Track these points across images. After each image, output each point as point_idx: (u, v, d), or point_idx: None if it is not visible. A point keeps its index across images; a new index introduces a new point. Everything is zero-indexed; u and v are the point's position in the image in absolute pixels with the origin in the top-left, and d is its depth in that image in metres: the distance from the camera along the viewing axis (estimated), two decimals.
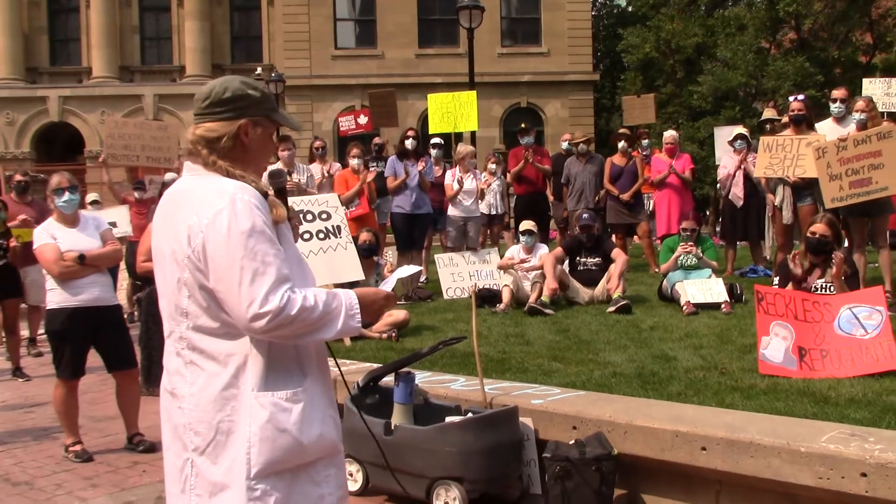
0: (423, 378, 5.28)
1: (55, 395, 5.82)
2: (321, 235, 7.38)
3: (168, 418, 2.41)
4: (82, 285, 5.70)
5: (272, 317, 2.17)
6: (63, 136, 33.50)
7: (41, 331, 9.22)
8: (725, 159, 10.58)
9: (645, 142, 14.00)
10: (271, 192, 2.45)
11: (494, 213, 11.37)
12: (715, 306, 7.73)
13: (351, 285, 6.96)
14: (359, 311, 2.36)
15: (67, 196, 5.82)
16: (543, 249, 8.89)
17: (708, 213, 23.77)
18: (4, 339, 9.19)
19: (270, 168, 2.82)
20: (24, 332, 9.59)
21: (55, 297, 5.72)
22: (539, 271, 8.44)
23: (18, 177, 9.86)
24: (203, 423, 2.29)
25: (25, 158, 31.51)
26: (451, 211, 10.45)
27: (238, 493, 2.25)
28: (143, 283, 6.64)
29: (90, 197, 12.07)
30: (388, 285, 2.63)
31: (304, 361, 2.37)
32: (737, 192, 10.04)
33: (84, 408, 6.29)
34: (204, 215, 2.23)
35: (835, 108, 8.52)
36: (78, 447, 5.74)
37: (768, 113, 11.40)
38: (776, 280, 6.31)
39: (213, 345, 2.29)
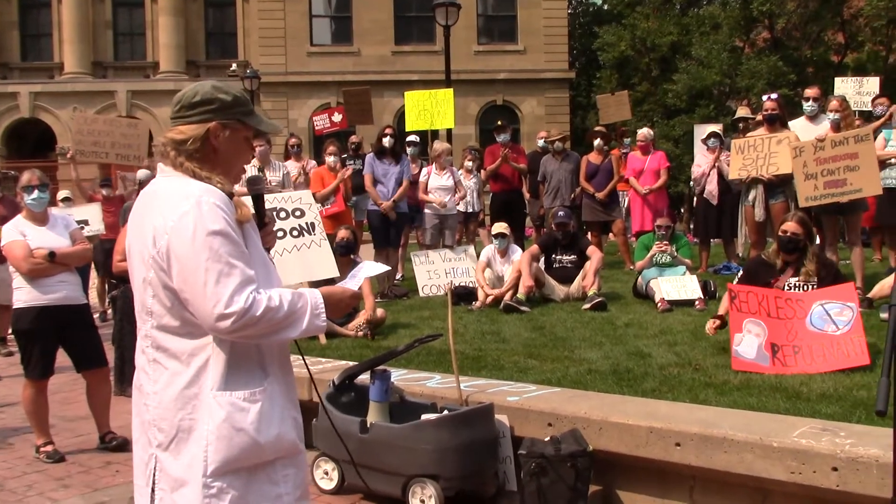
0: (398, 376, 5.27)
1: (24, 395, 5.76)
2: (294, 233, 7.34)
3: (137, 413, 2.46)
4: (51, 284, 5.64)
5: (237, 317, 2.21)
6: (34, 133, 33.07)
7: (11, 330, 9.12)
8: (699, 157, 10.65)
9: (626, 140, 14.06)
10: (237, 193, 2.46)
11: (470, 210, 11.37)
12: (689, 303, 7.79)
13: (327, 283, 6.94)
14: (324, 310, 2.40)
15: (37, 194, 5.75)
16: (517, 253, 8.89)
17: (682, 210, 23.92)
18: None
19: (248, 175, 2.80)
20: None
21: (23, 295, 5.65)
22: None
23: None
24: (166, 421, 2.33)
25: None
26: (427, 209, 10.44)
27: (195, 490, 2.30)
28: (118, 281, 6.57)
29: (62, 194, 11.94)
30: (354, 284, 2.63)
31: (265, 361, 2.40)
32: (711, 190, 10.11)
33: (55, 408, 6.22)
34: (169, 217, 2.27)
35: (808, 106, 8.61)
36: (49, 447, 5.68)
37: (742, 111, 11.49)
38: (738, 276, 6.35)
39: (176, 344, 2.33)
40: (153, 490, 2.37)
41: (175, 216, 2.26)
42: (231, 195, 2.39)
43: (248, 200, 2.55)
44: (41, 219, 5.85)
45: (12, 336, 9.04)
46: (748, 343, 5.36)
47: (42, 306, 5.62)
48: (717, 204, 10.08)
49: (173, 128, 2.42)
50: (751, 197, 8.33)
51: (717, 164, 10.01)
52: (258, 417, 2.34)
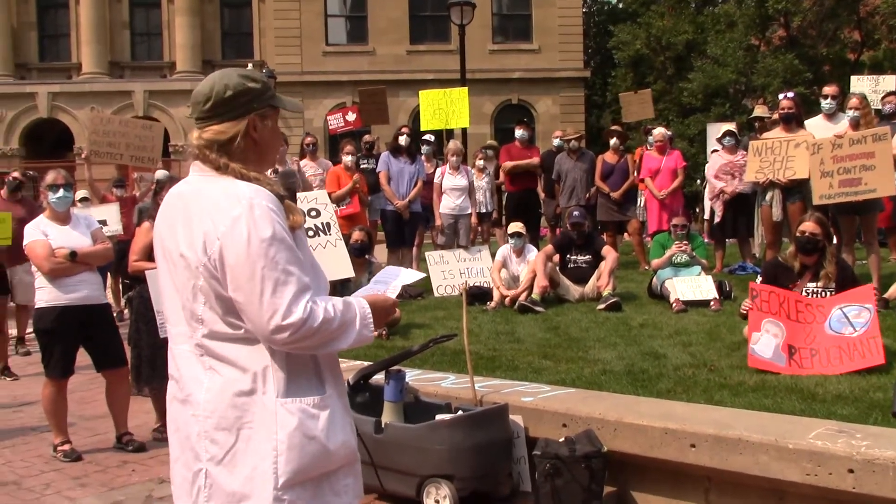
0: (413, 376, 5.29)
1: (44, 394, 5.80)
2: (310, 233, 7.37)
3: (177, 428, 2.31)
4: (72, 283, 5.69)
5: (295, 329, 2.11)
6: (52, 133, 33.29)
7: (29, 330, 9.20)
8: (713, 157, 10.60)
9: (650, 137, 14.00)
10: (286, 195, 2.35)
11: (484, 210, 11.38)
12: (704, 304, 7.77)
13: (342, 284, 6.97)
14: (372, 320, 2.31)
15: (62, 193, 5.82)
16: (533, 252, 8.88)
17: (698, 209, 23.81)
18: None
19: (282, 169, 2.75)
20: (13, 332, 9.56)
21: (45, 295, 5.70)
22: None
23: (15, 174, 9.81)
24: (221, 431, 2.19)
25: (14, 155, 31.30)
26: (442, 209, 10.44)
27: None
28: (133, 282, 6.61)
29: (80, 194, 11.99)
30: (392, 292, 2.55)
31: (321, 367, 2.31)
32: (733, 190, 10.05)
33: (73, 407, 6.27)
34: (221, 222, 2.14)
35: (826, 104, 8.55)
36: (66, 446, 5.73)
37: (759, 110, 11.44)
38: (759, 280, 6.31)
39: (232, 351, 2.21)
40: None
41: (227, 221, 2.13)
42: (282, 198, 2.25)
43: None
44: (63, 218, 5.90)
45: (30, 335, 9.15)
46: (765, 342, 5.34)
47: (64, 306, 5.67)
48: (732, 203, 10.03)
49: (207, 127, 2.26)
50: (767, 197, 8.29)
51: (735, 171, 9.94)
52: (328, 424, 2.24)
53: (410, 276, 2.75)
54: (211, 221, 2.16)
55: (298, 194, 7.91)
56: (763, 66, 27.08)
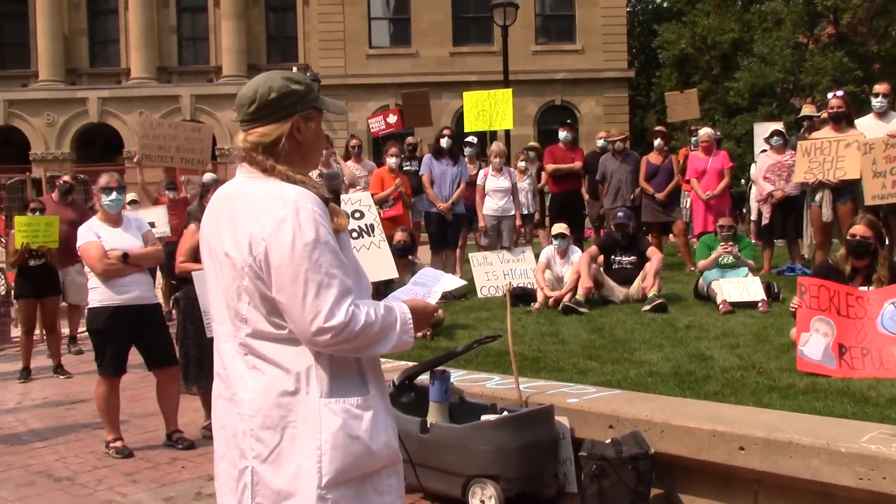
0: (458, 377, 5.30)
1: (97, 392, 5.93)
2: (354, 234, 7.41)
3: (223, 426, 2.34)
4: (124, 284, 5.80)
5: (336, 332, 2.14)
6: (102, 137, 33.94)
7: (81, 329, 9.40)
8: (762, 158, 10.45)
9: (693, 138, 13.86)
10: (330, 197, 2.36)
11: (526, 211, 11.36)
12: (752, 305, 7.67)
13: (386, 284, 7.00)
14: (412, 325, 2.32)
15: (115, 196, 5.95)
16: (577, 254, 8.83)
17: (744, 210, 23.50)
18: (45, 338, 9.36)
19: (327, 171, 2.77)
20: (65, 331, 9.76)
21: (97, 295, 5.82)
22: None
23: (66, 178, 10.04)
24: (266, 430, 2.22)
25: (66, 159, 31.98)
26: (485, 210, 10.44)
27: (307, 502, 2.19)
28: (180, 282, 6.72)
29: (129, 196, 12.16)
30: (433, 297, 2.56)
31: (364, 368, 2.33)
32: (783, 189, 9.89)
33: (124, 404, 6.39)
34: (266, 223, 2.17)
35: (876, 103, 8.38)
36: (119, 443, 5.84)
37: (807, 109, 11.25)
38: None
39: (275, 350, 2.23)
40: None
41: (272, 223, 2.16)
42: (327, 200, 2.27)
43: None
44: (115, 220, 6.02)
45: (81, 334, 9.35)
46: (814, 343, 5.25)
47: (116, 306, 5.78)
48: (781, 204, 9.87)
49: (252, 130, 2.29)
50: (817, 198, 8.17)
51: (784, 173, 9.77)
52: (371, 425, 2.25)
53: (452, 282, 2.74)
54: (257, 223, 2.19)
55: (342, 196, 7.97)
56: (811, 65, 26.64)
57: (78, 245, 5.91)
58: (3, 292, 11.27)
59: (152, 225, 10.18)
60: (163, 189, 11.66)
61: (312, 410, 2.20)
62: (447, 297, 9.29)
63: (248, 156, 2.30)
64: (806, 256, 10.19)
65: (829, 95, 8.56)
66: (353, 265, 2.31)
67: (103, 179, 6.01)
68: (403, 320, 2.30)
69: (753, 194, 11.51)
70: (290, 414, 2.21)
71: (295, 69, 29.62)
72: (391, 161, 10.26)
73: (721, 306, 7.62)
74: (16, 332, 10.59)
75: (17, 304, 9.33)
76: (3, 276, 11.42)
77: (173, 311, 10.57)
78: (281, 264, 2.15)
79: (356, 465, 2.23)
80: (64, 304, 9.46)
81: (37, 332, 9.47)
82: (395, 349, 2.30)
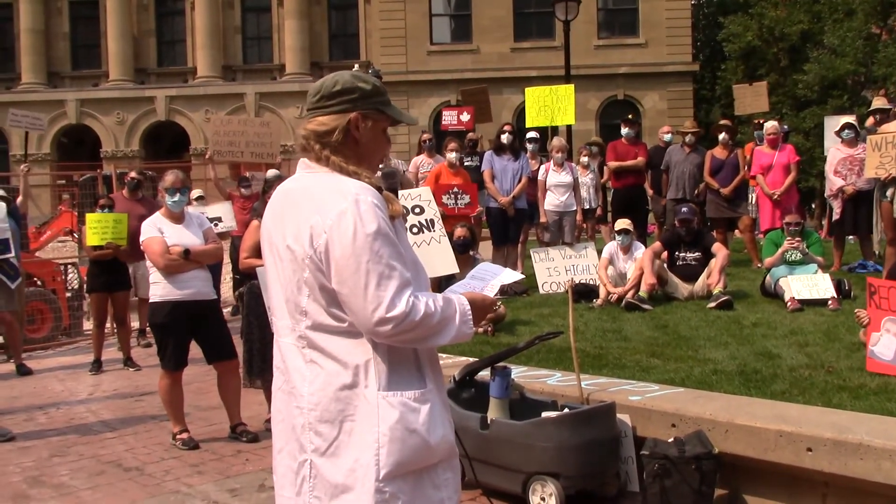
0: (519, 373, 5.28)
1: (161, 385, 6.06)
2: (414, 230, 7.43)
3: (282, 419, 2.37)
4: (184, 280, 5.92)
5: (398, 322, 2.15)
6: (170, 135, 34.75)
7: (148, 323, 9.62)
8: (833, 151, 10.18)
9: (758, 132, 13.58)
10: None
11: (588, 207, 11.25)
12: (821, 303, 7.49)
13: (446, 280, 7.01)
14: (471, 317, 2.32)
15: (179, 196, 6.09)
16: (640, 250, 8.72)
17: (814, 206, 22.95)
18: (115, 331, 9.60)
19: (385, 169, 2.77)
20: (135, 324, 10.01)
21: (158, 290, 5.95)
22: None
23: (133, 174, 10.28)
24: (325, 424, 2.24)
25: (135, 156, 32.84)
26: (547, 205, 10.38)
27: (364, 496, 2.20)
28: (243, 278, 6.83)
29: (195, 193, 12.43)
30: (490, 291, 2.55)
31: (422, 362, 2.33)
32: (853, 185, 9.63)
33: (190, 397, 6.52)
34: (327, 216, 2.20)
35: None
36: (184, 435, 5.96)
37: (878, 102, 10.91)
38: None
39: (334, 344, 2.25)
40: (305, 497, 2.29)
41: (333, 215, 2.19)
42: (380, 189, 2.30)
43: None
44: (178, 217, 6.16)
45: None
46: (886, 343, 5.10)
47: (176, 301, 5.90)
48: (853, 199, 9.60)
49: (312, 119, 2.34)
50: (888, 193, 7.94)
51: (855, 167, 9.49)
52: (429, 418, 2.26)
53: (510, 275, 2.71)
54: (318, 215, 2.21)
55: (403, 192, 7.99)
56: (884, 56, 25.82)
57: (141, 240, 6.06)
58: (76, 286, 11.61)
59: (219, 220, 10.42)
60: (235, 185, 11.84)
61: (371, 404, 2.21)
62: (509, 293, 9.27)
63: (305, 143, 2.36)
64: (877, 253, 9.91)
65: None
66: (410, 257, 2.32)
67: (169, 179, 6.14)
68: (462, 312, 2.30)
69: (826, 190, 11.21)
70: (348, 408, 2.22)
71: (357, 66, 29.90)
72: (451, 156, 10.24)
73: (789, 304, 7.45)
74: (87, 325, 10.91)
75: (89, 297, 9.58)
76: (76, 271, 11.76)
77: (239, 306, 10.77)
78: (343, 255, 2.17)
79: (414, 459, 2.24)
80: (134, 297, 9.68)
81: (108, 325, 9.72)
82: (454, 341, 2.30)
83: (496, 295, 2.56)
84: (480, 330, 7.12)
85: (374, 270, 2.15)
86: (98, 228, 8.64)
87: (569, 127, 15.05)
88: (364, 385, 2.23)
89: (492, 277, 2.66)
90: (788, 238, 8.27)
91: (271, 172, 10.68)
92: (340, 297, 2.21)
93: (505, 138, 10.42)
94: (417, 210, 7.62)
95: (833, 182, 9.81)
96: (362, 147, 2.36)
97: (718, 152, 10.72)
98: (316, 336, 2.27)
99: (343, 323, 2.24)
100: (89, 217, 8.86)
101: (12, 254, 8.48)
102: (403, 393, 2.24)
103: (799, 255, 8.19)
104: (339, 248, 2.18)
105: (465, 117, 14.45)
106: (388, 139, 2.47)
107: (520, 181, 10.27)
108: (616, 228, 9.00)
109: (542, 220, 10.40)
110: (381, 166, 8.40)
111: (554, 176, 10.36)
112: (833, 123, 11.60)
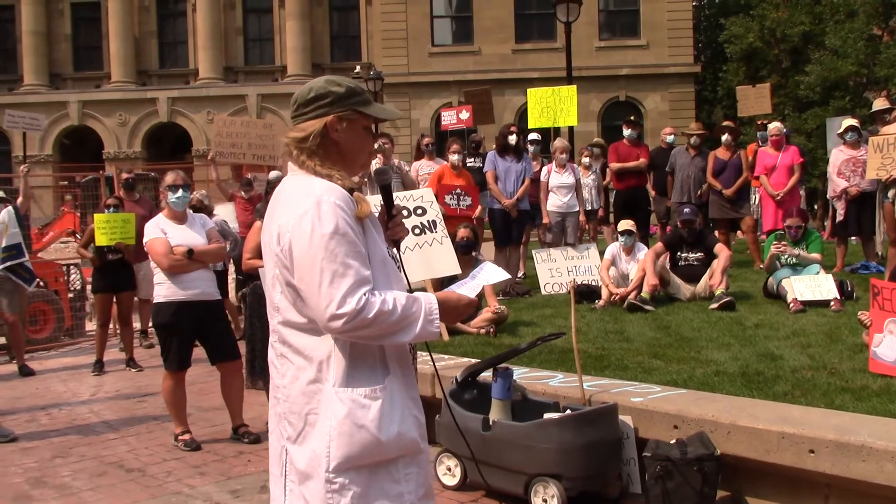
0: (521, 374, 5.28)
1: (164, 385, 6.06)
2: (416, 231, 7.42)
3: (273, 405, 2.52)
4: (188, 280, 5.92)
5: (349, 318, 2.23)
6: (172, 136, 34.81)
7: (151, 323, 9.62)
8: (835, 153, 10.18)
9: (761, 133, 13.57)
10: (356, 184, 2.46)
11: (590, 208, 11.24)
12: (824, 304, 7.47)
13: (450, 280, 7.01)
14: (438, 315, 2.38)
15: (180, 193, 6.07)
16: (643, 251, 8.71)
17: (816, 206, 22.94)
18: (119, 331, 9.60)
19: (376, 167, 2.81)
20: (137, 325, 10.01)
21: (162, 290, 5.95)
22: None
23: (125, 174, 10.30)
24: (294, 415, 2.38)
25: (137, 158, 32.88)
26: (549, 206, 10.39)
27: (319, 485, 2.32)
28: (246, 278, 6.84)
29: (197, 194, 12.44)
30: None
31: (386, 359, 2.40)
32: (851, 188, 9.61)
33: (192, 398, 6.52)
34: (291, 216, 2.32)
35: None
36: (187, 436, 5.97)
37: (880, 103, 10.90)
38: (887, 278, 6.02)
39: (300, 339, 2.37)
40: (285, 479, 2.43)
41: (296, 215, 2.30)
42: (352, 190, 2.39)
43: (372, 198, 2.54)
44: (181, 217, 6.15)
45: (153, 328, 9.56)
46: (889, 345, 5.09)
47: (180, 301, 5.90)
48: (855, 201, 9.59)
49: (294, 127, 2.45)
50: (890, 194, 7.94)
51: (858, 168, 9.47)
52: (379, 415, 2.33)
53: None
54: (286, 216, 2.34)
55: (404, 193, 7.99)
56: (886, 57, 25.80)
57: (144, 241, 6.06)
58: (79, 287, 11.62)
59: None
60: (237, 186, 11.85)
61: (328, 398, 2.33)
62: (511, 294, 9.27)
63: (287, 150, 2.47)
64: (880, 254, 9.90)
65: None
66: (379, 255, 2.41)
67: (169, 178, 6.15)
68: (428, 311, 2.37)
69: (829, 191, 11.19)
70: (312, 401, 2.35)
71: (358, 68, 29.94)
72: (453, 158, 10.24)
73: (791, 305, 7.44)
74: (90, 325, 10.92)
75: (92, 298, 9.58)
76: (79, 272, 11.77)
77: (242, 307, 10.78)
78: (300, 254, 2.29)
79: (363, 454, 2.33)
80: (135, 298, 9.69)
81: (110, 326, 9.72)
82: (418, 339, 2.37)
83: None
84: (483, 331, 7.12)
85: (328, 269, 2.25)
86: (106, 228, 8.64)
87: (571, 128, 15.04)
88: (323, 380, 2.34)
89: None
90: (775, 242, 8.24)
91: (273, 174, 10.69)
92: (300, 294, 2.32)
93: (511, 139, 10.41)
94: (419, 211, 7.61)
95: (836, 183, 9.81)
96: (343, 147, 2.45)
97: (721, 153, 10.72)
98: (286, 331, 2.41)
99: (307, 319, 2.35)
100: (97, 217, 8.86)
101: (26, 257, 8.53)
102: (355, 389, 2.33)
103: (792, 258, 8.14)
104: (297, 247, 2.29)
105: (465, 115, 14.45)
106: (371, 136, 2.55)
107: (523, 182, 10.27)
108: (619, 229, 9.00)
109: (545, 221, 10.40)
110: (375, 163, 8.41)
111: (556, 177, 10.36)
112: (836, 125, 11.61)
